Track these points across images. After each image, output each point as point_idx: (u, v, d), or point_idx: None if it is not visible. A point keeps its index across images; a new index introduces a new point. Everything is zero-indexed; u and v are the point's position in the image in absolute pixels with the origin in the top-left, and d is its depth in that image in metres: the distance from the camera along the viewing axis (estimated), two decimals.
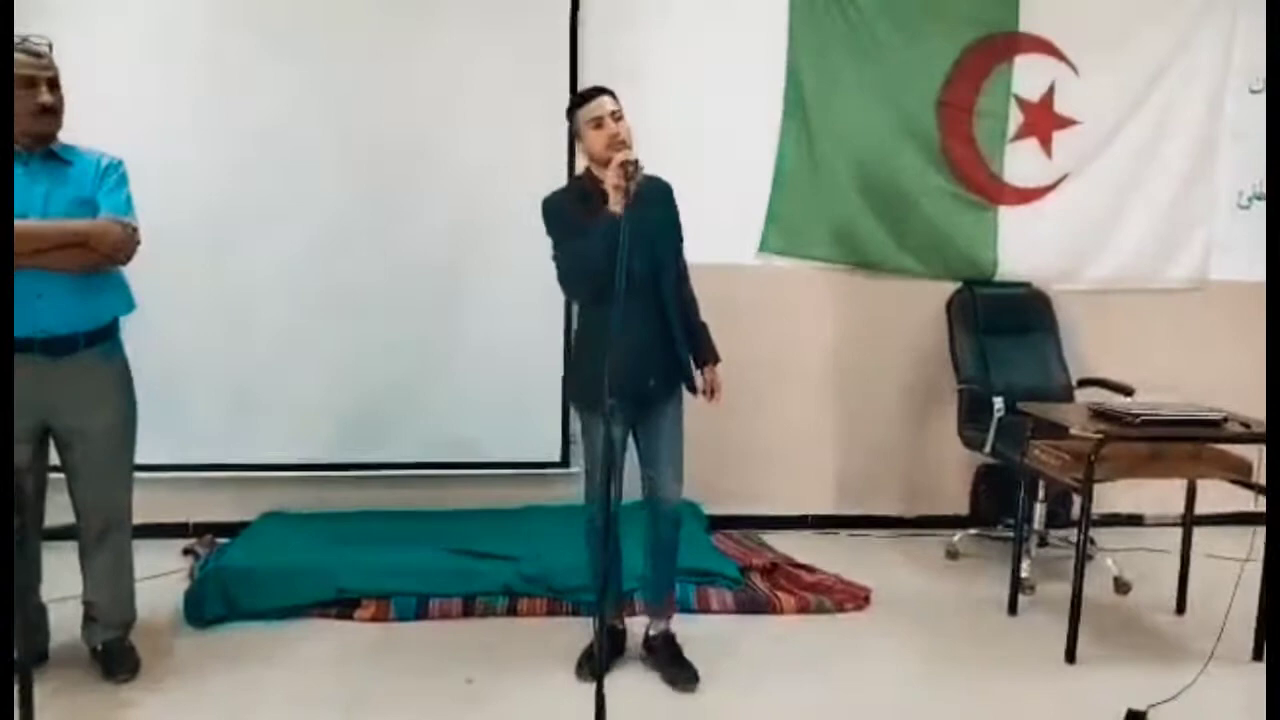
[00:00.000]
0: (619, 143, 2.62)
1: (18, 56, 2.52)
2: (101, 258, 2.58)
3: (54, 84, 2.59)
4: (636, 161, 2.56)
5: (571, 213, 2.69)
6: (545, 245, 2.80)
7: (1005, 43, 4.16)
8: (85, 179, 2.65)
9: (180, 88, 3.67)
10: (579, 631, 3.00)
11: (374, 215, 3.82)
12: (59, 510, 2.76)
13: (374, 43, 3.77)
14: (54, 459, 2.74)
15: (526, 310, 3.89)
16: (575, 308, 3.81)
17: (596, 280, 2.57)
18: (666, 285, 2.80)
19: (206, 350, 3.78)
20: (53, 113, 2.59)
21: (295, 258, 3.79)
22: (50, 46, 2.60)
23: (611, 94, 2.72)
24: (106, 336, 2.71)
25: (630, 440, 2.86)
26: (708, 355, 2.95)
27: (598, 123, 2.66)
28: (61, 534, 2.78)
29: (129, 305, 2.77)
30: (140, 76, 3.63)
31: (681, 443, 2.88)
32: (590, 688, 2.29)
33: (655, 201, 2.76)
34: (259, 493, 3.90)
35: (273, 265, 3.78)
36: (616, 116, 2.67)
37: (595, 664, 2.80)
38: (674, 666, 2.89)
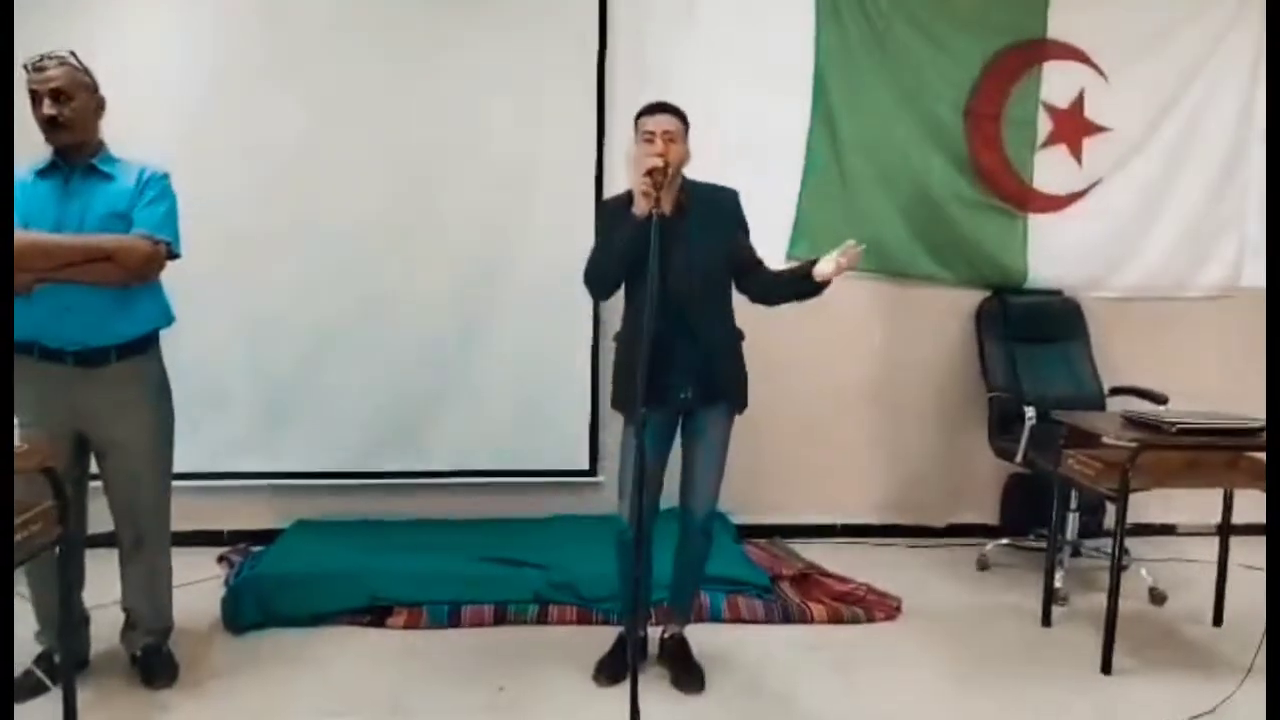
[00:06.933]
0: (656, 157, 2.61)
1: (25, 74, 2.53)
2: (127, 274, 2.52)
3: (58, 95, 2.52)
4: (666, 169, 2.58)
5: (614, 215, 2.72)
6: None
7: (1033, 50, 4.14)
8: (124, 192, 2.61)
9: (211, 96, 3.69)
10: (609, 640, 3.01)
11: (401, 224, 3.85)
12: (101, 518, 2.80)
13: (402, 50, 3.79)
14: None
15: (555, 318, 3.92)
16: (602, 312, 3.89)
17: (609, 279, 2.73)
18: (715, 295, 2.77)
19: (239, 360, 3.82)
20: (59, 126, 2.53)
21: (324, 267, 3.82)
22: (73, 54, 2.55)
23: (676, 113, 2.70)
24: (140, 349, 2.69)
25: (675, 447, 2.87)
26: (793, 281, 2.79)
27: (648, 137, 2.67)
28: (104, 541, 2.82)
29: (167, 318, 2.77)
30: (170, 83, 3.65)
31: (722, 458, 2.86)
32: (620, 695, 2.30)
33: (711, 210, 2.76)
34: (292, 501, 3.94)
35: (302, 275, 3.82)
36: (669, 138, 2.65)
37: (612, 670, 2.87)
38: (682, 669, 2.92)
